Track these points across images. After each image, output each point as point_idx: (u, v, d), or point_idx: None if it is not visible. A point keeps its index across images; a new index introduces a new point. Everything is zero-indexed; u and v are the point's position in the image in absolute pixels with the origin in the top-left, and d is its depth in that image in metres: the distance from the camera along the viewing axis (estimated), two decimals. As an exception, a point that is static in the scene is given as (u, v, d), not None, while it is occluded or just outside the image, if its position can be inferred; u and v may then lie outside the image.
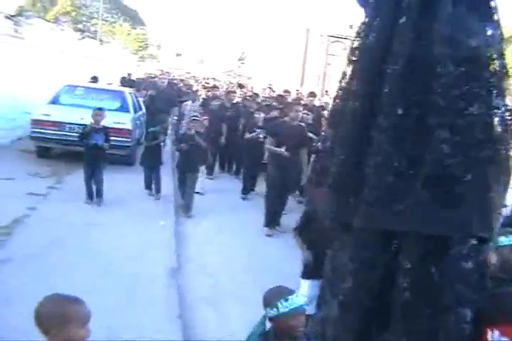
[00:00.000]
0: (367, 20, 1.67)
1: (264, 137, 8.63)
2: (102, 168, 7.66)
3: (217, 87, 14.51)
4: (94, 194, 7.59)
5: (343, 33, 47.08)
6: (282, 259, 6.00)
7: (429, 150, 1.50)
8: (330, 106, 12.32)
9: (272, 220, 7.36)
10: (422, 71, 1.50)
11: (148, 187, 8.43)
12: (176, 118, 11.99)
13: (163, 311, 4.52)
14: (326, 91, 23.73)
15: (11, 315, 3.88)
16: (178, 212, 7.86)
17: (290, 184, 7.46)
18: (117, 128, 9.19)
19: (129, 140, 9.75)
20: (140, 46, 40.64)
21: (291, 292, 2.51)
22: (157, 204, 8.07)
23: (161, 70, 20.21)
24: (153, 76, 18.42)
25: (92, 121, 7.57)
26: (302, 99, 12.56)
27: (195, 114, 8.77)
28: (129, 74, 16.79)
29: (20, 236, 5.86)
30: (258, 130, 9.28)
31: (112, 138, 8.48)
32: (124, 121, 9.80)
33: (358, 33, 1.71)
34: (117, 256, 5.61)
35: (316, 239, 4.16)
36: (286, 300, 2.43)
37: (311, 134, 8.11)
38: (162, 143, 8.91)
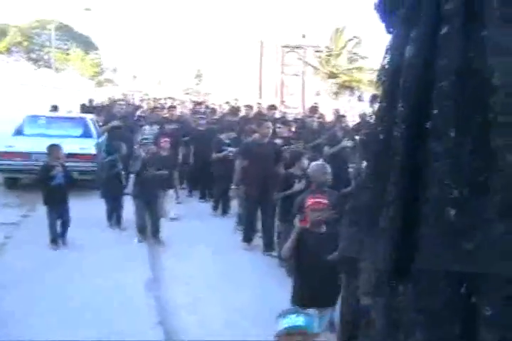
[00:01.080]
0: (399, 32, 1.43)
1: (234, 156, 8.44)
2: (68, 209, 7.18)
3: (174, 107, 14.52)
4: (57, 237, 7.00)
5: (296, 42, 48.11)
6: (257, 265, 6.43)
7: (495, 175, 1.28)
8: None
9: (250, 236, 7.24)
10: (474, 86, 1.31)
11: (109, 218, 8.12)
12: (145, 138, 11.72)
13: (145, 319, 4.84)
14: (283, 101, 24.24)
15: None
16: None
17: (269, 200, 6.95)
18: (82, 154, 9.47)
19: (94, 165, 10.00)
20: (96, 71, 40.69)
21: (296, 311, 2.66)
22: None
23: (124, 94, 20.03)
24: (116, 100, 18.04)
25: (50, 159, 7.11)
26: (263, 113, 12.61)
27: (146, 136, 8.51)
28: (91, 101, 16.91)
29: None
30: (228, 148, 8.97)
31: (78, 163, 8.76)
32: (88, 146, 10.06)
33: (389, 49, 1.46)
34: (96, 272, 5.93)
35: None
36: (285, 317, 2.54)
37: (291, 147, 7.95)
38: (122, 172, 8.41)
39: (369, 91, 35.58)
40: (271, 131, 7.53)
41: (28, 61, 31.84)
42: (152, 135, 10.46)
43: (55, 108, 13.82)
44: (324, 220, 4.23)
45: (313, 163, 5.53)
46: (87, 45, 43.21)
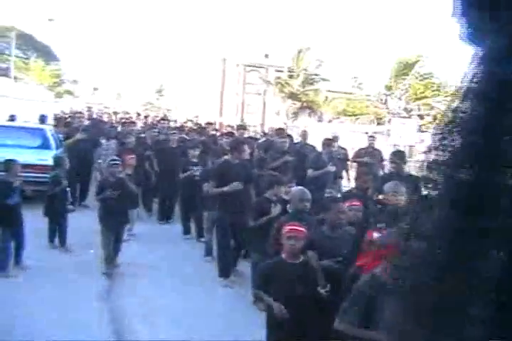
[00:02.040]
0: (499, 45, 0.87)
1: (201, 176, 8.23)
2: (23, 229, 6.54)
3: (134, 122, 14.36)
4: (9, 262, 6.36)
5: (259, 61, 48.80)
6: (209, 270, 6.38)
7: None
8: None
9: (227, 269, 6.53)
10: None
11: (51, 237, 7.50)
12: (100, 161, 10.59)
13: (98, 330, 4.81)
14: (243, 120, 24.45)
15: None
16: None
17: (242, 224, 6.41)
18: (41, 165, 9.29)
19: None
20: (55, 82, 40.00)
21: None
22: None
23: (88, 107, 19.58)
24: (77, 112, 17.42)
25: (7, 176, 6.50)
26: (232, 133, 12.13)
27: (114, 157, 7.54)
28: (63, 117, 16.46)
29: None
30: (194, 168, 8.58)
31: (36, 174, 8.60)
32: (47, 157, 9.88)
33: (481, 59, 0.90)
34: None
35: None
36: None
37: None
38: (68, 189, 7.83)
39: (327, 113, 36.42)
40: (247, 153, 7.19)
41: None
42: (110, 150, 10.25)
43: (12, 118, 13.53)
44: (301, 249, 3.98)
45: (293, 188, 5.33)
46: (47, 55, 42.50)
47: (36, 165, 8.95)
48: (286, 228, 4.00)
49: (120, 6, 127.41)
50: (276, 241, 4.37)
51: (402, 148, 20.70)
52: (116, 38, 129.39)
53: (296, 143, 10.93)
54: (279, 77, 38.28)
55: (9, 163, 6.54)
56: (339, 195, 6.54)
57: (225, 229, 6.50)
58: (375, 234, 3.73)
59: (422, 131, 24.48)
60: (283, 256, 4.01)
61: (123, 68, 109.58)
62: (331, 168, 8.57)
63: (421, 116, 28.72)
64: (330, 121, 33.08)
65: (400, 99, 29.23)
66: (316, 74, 37.82)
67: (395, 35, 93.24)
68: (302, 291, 3.77)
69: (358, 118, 31.09)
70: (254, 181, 6.96)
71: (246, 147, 6.96)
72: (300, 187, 5.42)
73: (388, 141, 21.73)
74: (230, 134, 11.08)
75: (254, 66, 49.05)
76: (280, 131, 10.82)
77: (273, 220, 5.31)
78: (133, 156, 8.12)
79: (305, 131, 11.31)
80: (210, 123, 13.75)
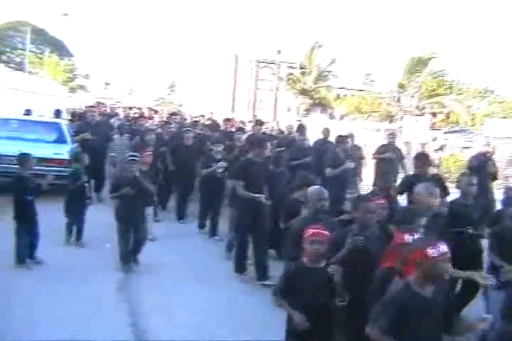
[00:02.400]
0: None
1: (224, 172, 8.21)
2: (38, 225, 6.47)
3: (147, 118, 13.99)
4: (25, 255, 6.29)
5: (271, 57, 48.82)
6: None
7: None
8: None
9: (243, 266, 6.53)
10: None
11: (69, 232, 7.39)
12: (112, 154, 10.30)
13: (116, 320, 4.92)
14: (255, 115, 24.34)
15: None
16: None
17: (263, 227, 6.41)
18: (56, 159, 9.41)
19: (67, 170, 9.94)
20: (69, 77, 40.29)
21: None
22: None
23: (98, 102, 18.90)
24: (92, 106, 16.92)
25: (22, 170, 6.37)
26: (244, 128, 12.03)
27: (132, 153, 7.07)
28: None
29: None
30: (219, 163, 8.30)
31: (53, 168, 8.72)
32: (63, 151, 10.00)
33: None
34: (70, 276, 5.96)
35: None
36: None
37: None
38: (87, 184, 7.68)
39: (339, 110, 36.35)
40: (269, 151, 6.93)
41: (-1, 63, 31.40)
42: (123, 145, 10.04)
43: (28, 112, 13.68)
44: (324, 254, 3.76)
45: (311, 187, 5.03)
46: (61, 50, 42.79)
47: (52, 159, 9.07)
48: (309, 231, 3.75)
49: (134, 1, 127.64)
50: (296, 244, 4.11)
51: (414, 146, 20.64)
52: (129, 33, 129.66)
53: (316, 141, 10.70)
54: (291, 74, 38.23)
55: (23, 157, 6.41)
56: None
57: (243, 227, 6.47)
58: (407, 237, 3.58)
59: (435, 129, 24.36)
60: (304, 260, 3.78)
61: (135, 63, 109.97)
62: (350, 165, 8.33)
63: (434, 114, 28.57)
64: (341, 118, 32.99)
65: (412, 96, 29.09)
66: (329, 71, 37.77)
67: (408, 32, 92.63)
68: (323, 300, 3.63)
69: (369, 116, 31.00)
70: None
71: (268, 144, 6.73)
72: (317, 186, 5.17)
73: (401, 138, 21.66)
74: (242, 130, 10.77)
75: (266, 62, 49.08)
76: (301, 129, 10.65)
77: None
78: (150, 153, 7.93)
79: (327, 129, 10.87)
80: (228, 119, 12.87)
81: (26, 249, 6.30)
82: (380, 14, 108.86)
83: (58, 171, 9.33)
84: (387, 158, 9.99)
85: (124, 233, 6.47)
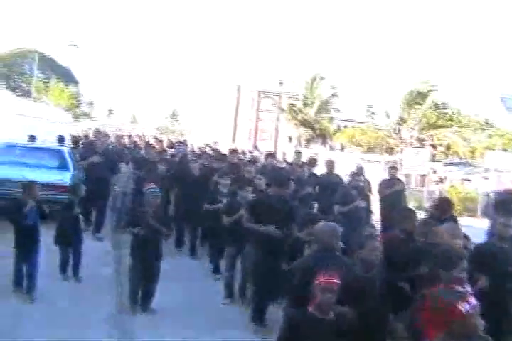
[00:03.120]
0: None
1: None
2: (37, 252, 6.22)
3: (151, 145, 14.07)
4: (23, 281, 6.10)
5: (273, 89, 49.49)
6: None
7: None
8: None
9: (260, 316, 5.79)
10: None
11: (63, 269, 6.83)
12: (117, 188, 9.99)
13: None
14: (256, 146, 24.49)
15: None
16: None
17: (279, 270, 5.68)
18: (58, 185, 9.46)
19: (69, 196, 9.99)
20: (73, 103, 40.79)
21: None
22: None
23: (98, 131, 18.40)
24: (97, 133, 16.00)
25: (24, 196, 6.23)
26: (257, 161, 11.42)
27: (154, 187, 6.42)
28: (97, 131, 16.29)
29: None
30: (224, 200, 7.57)
31: (53, 195, 8.78)
32: (64, 178, 10.06)
33: None
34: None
35: None
36: None
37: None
38: (80, 215, 7.20)
39: (339, 141, 36.62)
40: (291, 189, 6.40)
41: (6, 89, 31.79)
42: (129, 174, 9.78)
43: (32, 138, 13.80)
44: (334, 304, 3.40)
45: (322, 223, 4.65)
46: (67, 77, 43.43)
47: (56, 184, 9.12)
48: (324, 278, 3.38)
49: (138, 31, 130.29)
50: (303, 285, 3.77)
51: (413, 178, 20.72)
52: (133, 61, 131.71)
53: (323, 175, 9.93)
54: (293, 105, 38.67)
55: (28, 184, 6.34)
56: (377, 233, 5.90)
57: (263, 269, 5.70)
58: (461, 305, 2.71)
59: (435, 161, 24.49)
60: (311, 309, 3.40)
61: (138, 92, 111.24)
62: (361, 204, 7.77)
63: (433, 146, 28.76)
64: (342, 150, 33.20)
65: (412, 128, 29.35)
66: (331, 103, 38.21)
67: (409, 64, 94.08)
68: None
69: (369, 148, 31.21)
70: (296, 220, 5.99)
71: (291, 184, 6.25)
72: (330, 222, 4.76)
73: (401, 170, 21.75)
74: (254, 162, 10.07)
75: (268, 93, 49.72)
76: (312, 161, 10.19)
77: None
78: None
79: (331, 161, 10.16)
80: (235, 151, 12.05)
81: (22, 277, 6.13)
82: (381, 47, 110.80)
83: (61, 197, 9.39)
84: (396, 191, 9.65)
85: (137, 270, 5.98)
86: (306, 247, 5.00)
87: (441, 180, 20.30)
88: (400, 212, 5.53)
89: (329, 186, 9.00)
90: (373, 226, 7.08)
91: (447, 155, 29.56)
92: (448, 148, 29.60)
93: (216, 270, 7.58)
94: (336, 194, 8.17)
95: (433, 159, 26.05)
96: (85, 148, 12.37)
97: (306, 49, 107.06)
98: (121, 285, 6.46)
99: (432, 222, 5.48)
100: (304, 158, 11.38)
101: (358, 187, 8.18)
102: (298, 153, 11.72)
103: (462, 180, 21.20)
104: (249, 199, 6.54)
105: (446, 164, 24.79)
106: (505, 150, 26.85)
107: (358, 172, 8.75)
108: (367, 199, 8.72)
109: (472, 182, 20.51)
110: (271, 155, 10.66)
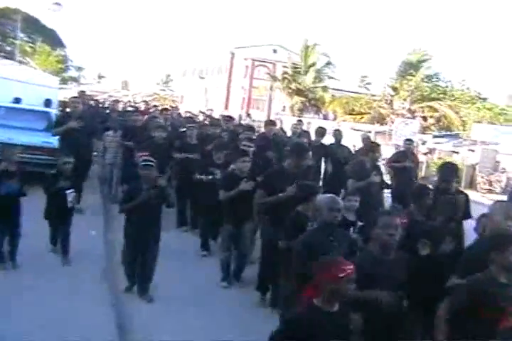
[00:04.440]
0: None
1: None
2: (19, 224, 5.86)
3: (139, 111, 13.37)
4: (5, 255, 5.84)
5: (267, 56, 48.92)
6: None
7: None
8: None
9: (266, 286, 5.52)
10: None
11: (53, 242, 6.42)
12: (106, 159, 9.40)
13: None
14: (249, 114, 24.31)
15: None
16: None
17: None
18: (45, 148, 9.39)
19: (56, 159, 9.92)
20: (61, 68, 39.97)
21: None
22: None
23: (83, 92, 17.48)
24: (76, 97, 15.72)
25: (4, 163, 5.83)
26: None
27: (146, 158, 5.71)
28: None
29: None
30: (216, 171, 7.02)
31: (41, 156, 8.71)
32: (51, 140, 9.97)
33: None
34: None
35: None
36: None
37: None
38: (68, 191, 6.22)
39: (332, 111, 36.47)
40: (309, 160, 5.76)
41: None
42: (114, 142, 9.28)
43: (17, 100, 13.59)
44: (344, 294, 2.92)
45: (321, 196, 4.29)
46: (53, 40, 42.33)
47: (41, 147, 9.05)
48: (346, 268, 2.88)
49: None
50: (304, 263, 3.53)
51: (402, 149, 20.69)
52: (124, 26, 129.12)
53: (331, 145, 9.29)
54: (286, 73, 38.26)
55: (6, 148, 6.10)
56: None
57: (274, 246, 4.96)
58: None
59: (425, 133, 24.53)
60: (316, 301, 2.89)
61: (130, 57, 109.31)
62: (376, 179, 7.03)
63: (424, 118, 28.75)
64: (335, 119, 33.11)
65: (405, 99, 29.25)
66: (324, 73, 37.85)
67: (405, 34, 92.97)
68: None
69: (362, 118, 31.14)
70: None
71: (309, 154, 5.61)
72: (329, 195, 4.35)
73: (390, 140, 21.79)
74: (252, 129, 9.00)
75: (262, 61, 49.15)
76: (321, 131, 9.27)
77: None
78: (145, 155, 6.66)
79: (339, 131, 9.56)
80: (231, 118, 11.18)
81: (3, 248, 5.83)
82: (377, 16, 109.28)
83: (47, 159, 9.31)
84: (405, 167, 9.04)
85: (133, 257, 5.44)
86: (309, 225, 4.49)
87: (430, 152, 20.39)
88: (416, 189, 5.19)
89: (339, 158, 8.59)
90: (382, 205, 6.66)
91: (438, 128, 29.60)
92: (439, 120, 29.60)
93: (204, 245, 7.17)
94: (349, 167, 7.47)
95: (423, 131, 26.09)
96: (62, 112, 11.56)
97: (301, 18, 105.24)
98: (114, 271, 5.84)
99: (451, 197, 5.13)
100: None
101: (375, 161, 7.56)
102: (299, 122, 11.25)
103: (451, 152, 21.33)
104: (265, 173, 5.81)
105: (435, 136, 24.84)
106: (492, 123, 26.92)
107: (377, 146, 7.85)
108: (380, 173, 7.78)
109: (460, 154, 20.66)
110: (271, 123, 9.40)
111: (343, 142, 9.44)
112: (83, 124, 8.46)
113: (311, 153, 5.65)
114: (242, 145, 7.14)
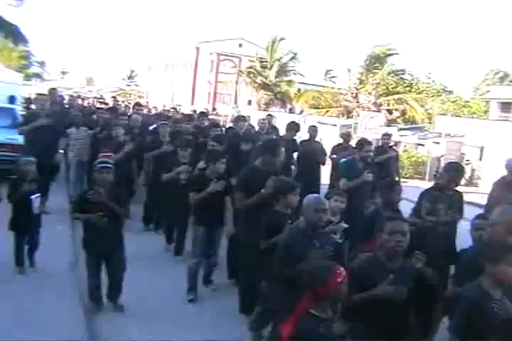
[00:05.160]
0: None
1: (188, 179, 6.23)
2: None
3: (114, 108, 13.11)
4: None
5: (233, 50, 48.91)
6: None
7: None
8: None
9: (250, 305, 4.83)
10: None
11: (18, 260, 5.65)
12: (71, 157, 9.21)
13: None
14: (215, 109, 24.32)
15: None
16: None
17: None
18: (11, 144, 9.30)
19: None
20: (24, 64, 39.12)
21: None
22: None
23: (53, 89, 17.16)
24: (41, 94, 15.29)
25: None
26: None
27: (103, 159, 5.29)
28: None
29: None
30: (181, 168, 6.64)
31: (6, 153, 8.63)
32: (17, 137, 9.85)
33: None
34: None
35: None
36: None
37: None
38: (34, 196, 5.59)
39: (298, 105, 36.78)
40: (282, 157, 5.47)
41: None
42: (80, 139, 9.01)
43: (-20, 97, 13.33)
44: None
45: (307, 196, 4.11)
46: (15, 35, 41.33)
47: (6, 144, 8.95)
48: (340, 271, 2.82)
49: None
50: (289, 264, 3.55)
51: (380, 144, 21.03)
52: (88, 20, 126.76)
53: (303, 141, 9.07)
54: (251, 67, 38.37)
55: None
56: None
57: (253, 247, 4.58)
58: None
59: (390, 126, 24.97)
60: (314, 311, 2.80)
61: (93, 52, 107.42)
62: (369, 177, 6.64)
63: (390, 111, 29.26)
64: (301, 113, 33.39)
65: (370, 93, 29.69)
66: (290, 66, 38.12)
67: (371, 28, 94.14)
68: None
69: (327, 111, 31.47)
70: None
71: (282, 151, 5.37)
72: (315, 195, 4.27)
73: (355, 134, 22.12)
74: (217, 125, 8.83)
75: (227, 55, 49.12)
76: (294, 127, 8.84)
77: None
78: (110, 154, 6.61)
79: (314, 127, 9.22)
80: (205, 114, 10.83)
81: None
82: (342, 10, 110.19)
83: (12, 156, 9.19)
84: (385, 161, 9.02)
85: (93, 264, 4.93)
86: (288, 223, 4.32)
87: (395, 144, 20.80)
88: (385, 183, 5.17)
89: (311, 154, 8.46)
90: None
91: (404, 121, 30.16)
92: (404, 113, 30.15)
93: (169, 240, 7.06)
94: (341, 165, 7.26)
95: (389, 124, 26.54)
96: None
97: (266, 11, 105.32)
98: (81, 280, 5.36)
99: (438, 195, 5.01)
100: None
101: (366, 158, 7.15)
102: (270, 116, 11.08)
103: (416, 145, 21.79)
104: (239, 175, 5.47)
105: (400, 129, 25.32)
106: (457, 115, 27.61)
107: (365, 143, 7.34)
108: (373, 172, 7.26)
109: (425, 146, 21.15)
110: (242, 118, 8.78)
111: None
112: (52, 122, 8.19)
113: (283, 149, 5.35)
114: (210, 145, 6.87)
